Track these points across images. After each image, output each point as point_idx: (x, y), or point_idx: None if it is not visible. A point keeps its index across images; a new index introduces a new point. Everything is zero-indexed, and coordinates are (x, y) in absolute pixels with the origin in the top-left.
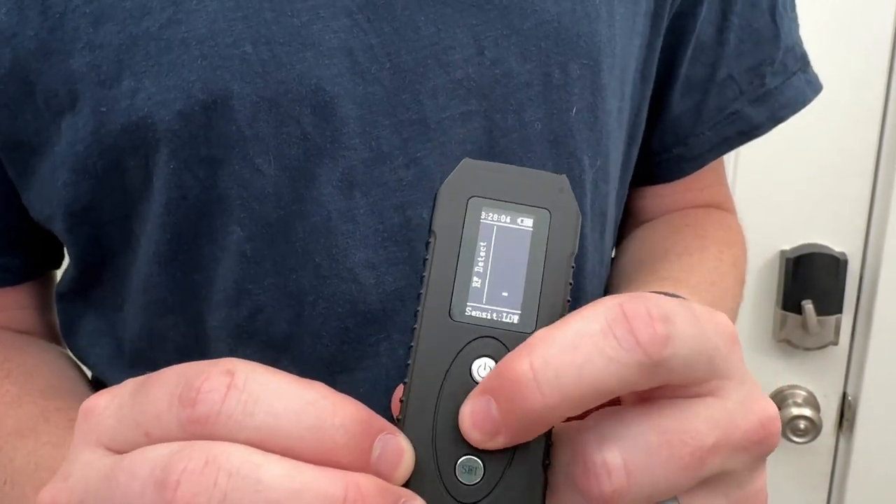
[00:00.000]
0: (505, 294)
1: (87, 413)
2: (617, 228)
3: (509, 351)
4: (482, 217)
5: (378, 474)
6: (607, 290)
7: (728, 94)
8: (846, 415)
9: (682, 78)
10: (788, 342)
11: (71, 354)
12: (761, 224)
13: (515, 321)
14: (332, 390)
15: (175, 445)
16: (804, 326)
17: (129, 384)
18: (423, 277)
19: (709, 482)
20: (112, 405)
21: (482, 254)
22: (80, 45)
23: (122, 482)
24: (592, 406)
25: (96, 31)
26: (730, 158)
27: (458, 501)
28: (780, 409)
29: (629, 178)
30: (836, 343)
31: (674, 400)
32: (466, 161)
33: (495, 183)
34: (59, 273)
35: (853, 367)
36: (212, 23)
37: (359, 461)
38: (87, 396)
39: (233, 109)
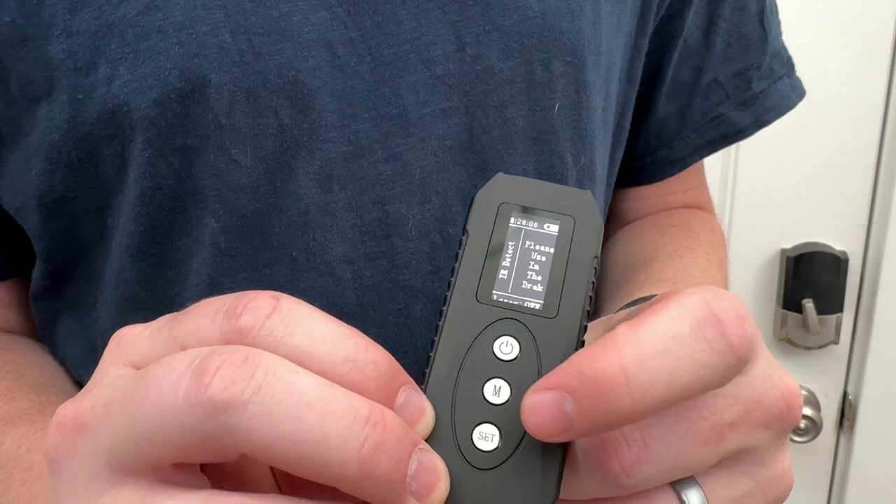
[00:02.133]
0: (529, 286)
1: (119, 338)
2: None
3: (531, 332)
4: (511, 221)
5: (416, 497)
6: (597, 290)
7: (713, 97)
8: (847, 414)
9: (668, 81)
10: (789, 341)
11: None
12: (762, 222)
13: (538, 307)
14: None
15: (216, 346)
16: (805, 325)
17: (166, 316)
18: (453, 268)
19: (731, 461)
20: (146, 331)
21: (510, 251)
22: (57, 31)
23: (158, 375)
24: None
25: (73, 17)
26: (730, 157)
27: (473, 466)
28: None
29: (614, 180)
30: (836, 342)
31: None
32: (500, 175)
33: (525, 194)
34: None
35: (854, 366)
36: (190, 11)
37: (384, 401)
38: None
39: (209, 98)
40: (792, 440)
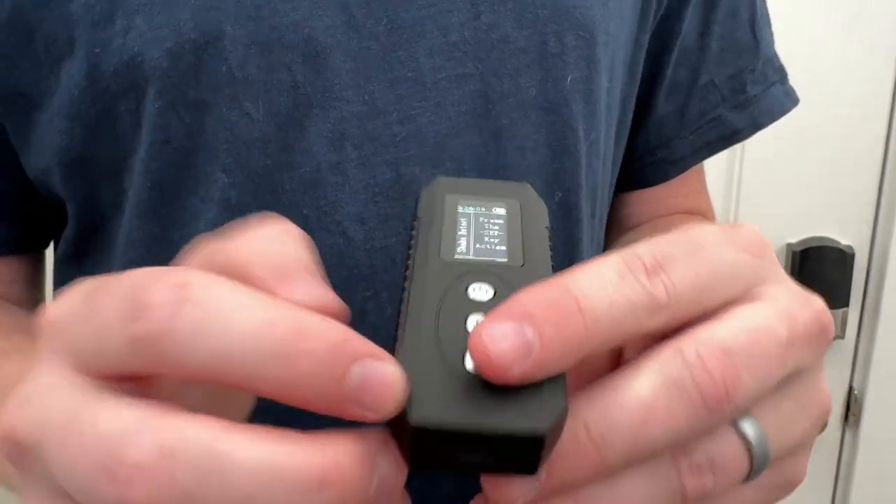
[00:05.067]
0: (490, 247)
1: (48, 325)
2: (605, 222)
3: (502, 279)
4: (459, 207)
5: (359, 406)
6: None
7: (710, 99)
8: (852, 408)
9: (667, 80)
10: None
11: None
12: (767, 217)
13: (505, 261)
14: (306, 310)
15: (127, 418)
16: None
17: (83, 288)
18: (409, 247)
19: (779, 386)
20: (65, 314)
21: (463, 226)
22: None
23: (74, 451)
24: (606, 349)
25: None
26: (735, 152)
27: (469, 398)
28: None
29: (616, 177)
30: (842, 337)
31: (738, 307)
32: (440, 177)
33: (469, 187)
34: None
35: (859, 360)
36: None
37: (333, 394)
38: None
39: (224, 50)
40: None
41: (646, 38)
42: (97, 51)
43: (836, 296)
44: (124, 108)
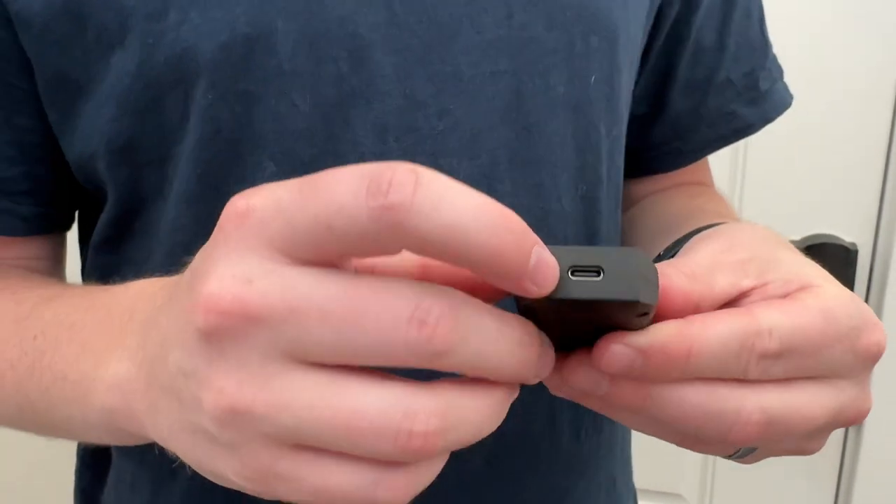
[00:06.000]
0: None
1: (242, 215)
2: (621, 209)
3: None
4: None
5: (532, 281)
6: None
7: (727, 94)
8: None
9: (681, 79)
10: None
11: None
12: (771, 214)
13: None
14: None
15: (416, 285)
16: None
17: (283, 186)
18: None
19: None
20: (269, 206)
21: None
22: None
23: (371, 308)
24: None
25: None
26: (739, 149)
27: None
28: None
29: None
30: None
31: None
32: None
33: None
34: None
35: None
36: None
37: (519, 268)
38: None
39: (275, 44)
40: None
41: (643, 40)
42: (150, 42)
43: None
44: (173, 98)
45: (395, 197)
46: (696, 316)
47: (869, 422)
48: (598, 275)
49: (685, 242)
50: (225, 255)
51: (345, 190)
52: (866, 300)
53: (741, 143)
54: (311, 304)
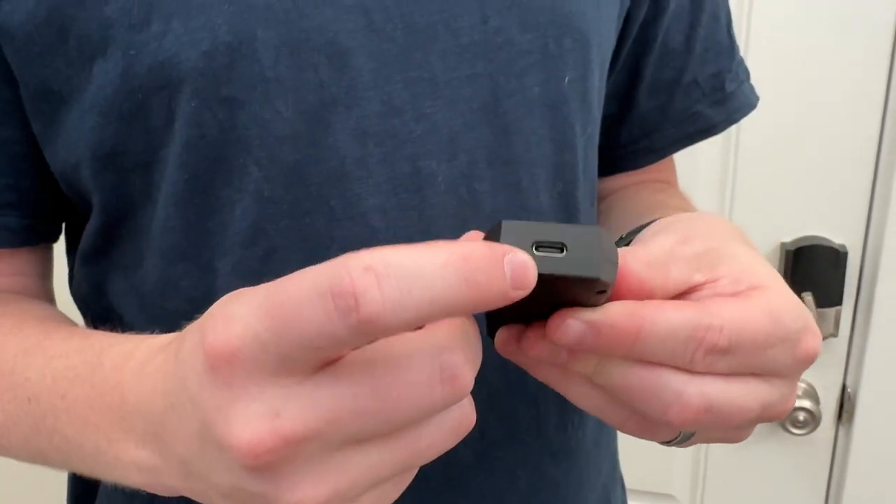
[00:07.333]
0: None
1: (230, 358)
2: (596, 206)
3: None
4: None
5: (517, 288)
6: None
7: (692, 95)
8: (846, 407)
9: (648, 80)
10: None
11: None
12: (761, 216)
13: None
14: (450, 242)
15: (428, 341)
16: None
17: (249, 314)
18: None
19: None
20: (250, 343)
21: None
22: None
23: (397, 387)
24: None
25: None
26: (729, 151)
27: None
28: None
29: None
30: (835, 335)
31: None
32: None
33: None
34: (71, 250)
35: (853, 359)
36: None
37: (502, 287)
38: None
39: (257, 52)
40: (791, 433)
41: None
42: (132, 52)
43: (830, 294)
44: (157, 103)
45: (366, 310)
46: (651, 301)
47: (860, 420)
48: (562, 251)
49: (643, 230)
50: (236, 397)
51: (313, 313)
52: (856, 302)
53: (732, 146)
54: (343, 406)
